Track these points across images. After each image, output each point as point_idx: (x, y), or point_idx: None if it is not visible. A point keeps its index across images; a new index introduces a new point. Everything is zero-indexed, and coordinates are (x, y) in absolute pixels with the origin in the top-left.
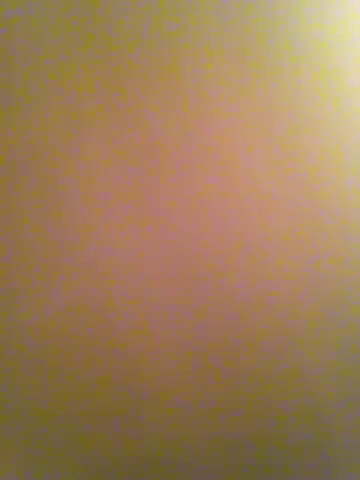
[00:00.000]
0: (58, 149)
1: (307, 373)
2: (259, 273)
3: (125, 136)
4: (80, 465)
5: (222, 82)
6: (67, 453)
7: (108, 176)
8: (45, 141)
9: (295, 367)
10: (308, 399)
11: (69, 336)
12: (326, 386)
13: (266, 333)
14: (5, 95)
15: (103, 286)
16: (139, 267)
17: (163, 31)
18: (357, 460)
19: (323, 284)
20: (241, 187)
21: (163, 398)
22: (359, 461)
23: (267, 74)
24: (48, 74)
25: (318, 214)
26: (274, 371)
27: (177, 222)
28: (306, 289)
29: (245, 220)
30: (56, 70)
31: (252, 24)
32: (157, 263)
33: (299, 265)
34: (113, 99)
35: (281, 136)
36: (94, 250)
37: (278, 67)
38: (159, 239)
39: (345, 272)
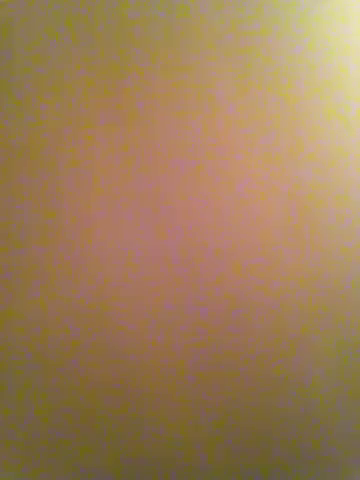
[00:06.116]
0: (58, 149)
1: (307, 373)
2: (260, 273)
3: (125, 136)
4: (79, 466)
5: (223, 81)
6: (66, 453)
7: (108, 176)
8: (45, 141)
9: (295, 367)
10: (308, 399)
11: (68, 337)
12: (326, 386)
13: (266, 333)
14: (5, 94)
15: (103, 286)
16: (139, 267)
17: (163, 29)
18: (357, 460)
19: (324, 283)
20: (242, 186)
21: (163, 399)
22: (359, 461)
23: (268, 73)
24: (48, 72)
25: (319, 212)
26: (274, 371)
27: (178, 222)
28: (307, 288)
29: (246, 220)
30: (56, 68)
31: (253, 24)
32: (157, 262)
33: (300, 265)
34: (113, 99)
35: (281, 134)
36: (94, 250)
37: (278, 66)
38: (159, 239)
39: (346, 271)
